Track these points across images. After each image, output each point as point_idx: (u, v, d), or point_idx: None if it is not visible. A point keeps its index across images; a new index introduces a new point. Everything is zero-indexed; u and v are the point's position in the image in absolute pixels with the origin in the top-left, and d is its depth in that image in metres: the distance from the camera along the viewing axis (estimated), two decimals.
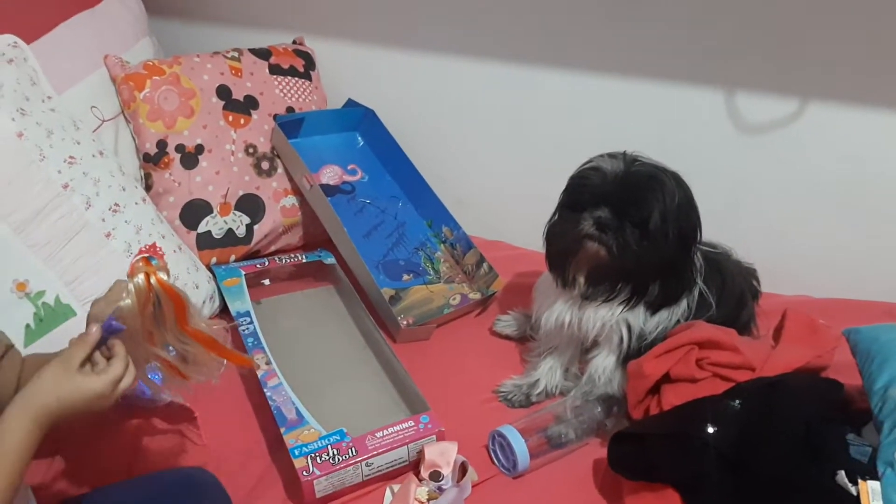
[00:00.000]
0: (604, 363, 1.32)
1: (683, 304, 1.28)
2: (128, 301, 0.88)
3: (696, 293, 1.29)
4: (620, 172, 1.18)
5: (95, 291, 1.31)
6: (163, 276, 0.88)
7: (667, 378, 1.21)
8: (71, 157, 1.34)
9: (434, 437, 1.22)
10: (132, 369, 0.90)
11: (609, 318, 1.28)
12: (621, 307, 1.26)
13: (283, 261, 1.64)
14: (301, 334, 1.49)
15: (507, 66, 1.72)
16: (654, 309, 1.27)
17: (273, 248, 1.70)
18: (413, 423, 1.22)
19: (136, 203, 1.44)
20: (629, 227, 1.17)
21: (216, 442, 1.26)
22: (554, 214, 1.28)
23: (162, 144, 1.56)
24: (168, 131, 1.56)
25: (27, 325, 1.24)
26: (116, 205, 1.39)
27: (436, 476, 1.17)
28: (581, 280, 1.27)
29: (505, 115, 1.79)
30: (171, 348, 0.94)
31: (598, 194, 1.19)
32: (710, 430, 1.08)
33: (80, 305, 1.29)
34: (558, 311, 1.33)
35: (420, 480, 1.17)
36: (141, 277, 0.87)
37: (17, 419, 0.83)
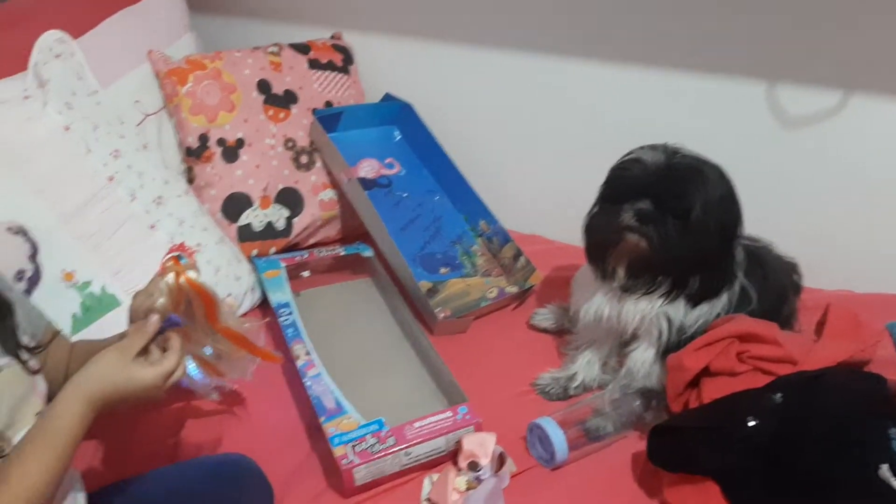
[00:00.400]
0: (643, 356, 1.32)
1: (724, 297, 1.27)
2: (161, 300, 0.91)
3: (736, 287, 1.28)
4: (662, 164, 1.18)
5: (140, 282, 1.33)
6: (192, 274, 0.90)
7: (707, 371, 1.20)
8: (116, 151, 1.37)
9: (472, 427, 1.22)
10: (184, 364, 0.92)
11: (649, 311, 1.27)
12: (661, 300, 1.25)
13: (322, 253, 1.66)
14: (339, 325, 1.50)
15: (546, 59, 1.72)
16: (694, 302, 1.26)
17: (312, 241, 1.72)
18: (451, 414, 1.23)
19: (179, 196, 1.47)
20: (670, 219, 1.17)
21: (256, 430, 1.27)
22: (594, 206, 1.28)
23: (203, 138, 1.58)
24: (210, 125, 1.59)
25: (74, 315, 1.28)
26: (160, 197, 1.42)
27: (474, 466, 1.18)
28: (621, 272, 1.26)
29: (543, 109, 1.79)
30: (207, 348, 0.96)
31: (638, 186, 1.18)
32: (751, 423, 1.08)
33: (124, 295, 1.32)
34: (597, 303, 1.32)
35: (458, 470, 1.18)
36: (171, 277, 0.90)
37: (72, 401, 0.86)
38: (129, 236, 1.35)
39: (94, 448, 1.21)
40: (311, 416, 1.31)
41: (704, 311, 1.27)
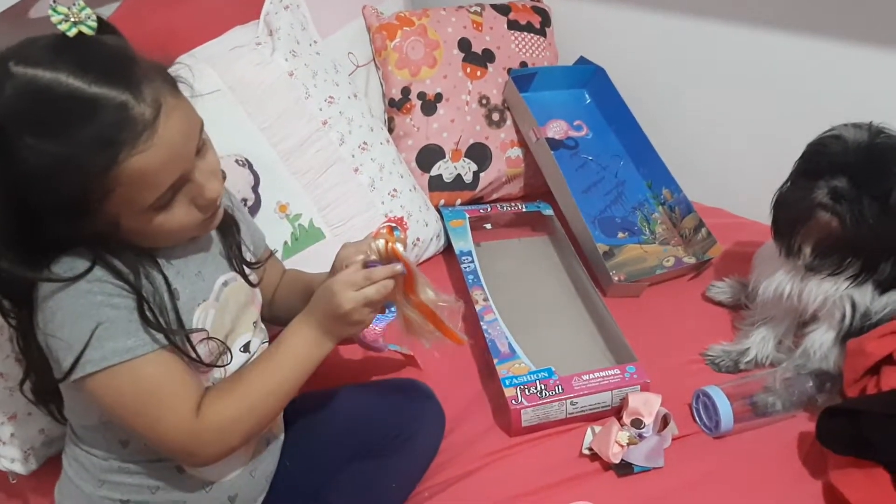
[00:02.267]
0: (822, 338, 1.29)
1: None
2: (372, 257, 0.98)
3: None
4: (864, 143, 1.14)
5: (342, 219, 1.47)
6: (399, 247, 0.96)
7: (889, 360, 1.17)
8: (330, 97, 1.50)
9: (639, 387, 1.26)
10: (383, 294, 0.96)
11: (833, 292, 1.24)
12: (847, 283, 1.22)
13: (504, 208, 1.73)
14: (515, 277, 1.57)
15: (745, 28, 1.68)
16: (883, 288, 1.22)
17: (495, 196, 1.80)
18: (619, 372, 1.27)
19: (381, 143, 1.58)
20: (867, 199, 1.14)
21: (433, 365, 1.37)
22: (786, 181, 1.26)
23: (406, 91, 1.69)
24: (412, 79, 1.69)
25: (285, 243, 1.42)
26: (365, 143, 1.53)
27: (637, 423, 1.22)
28: (807, 251, 1.24)
29: (738, 80, 1.75)
30: (393, 309, 1.03)
31: (836, 163, 1.16)
32: None
33: (329, 230, 1.45)
34: (778, 280, 1.31)
35: (622, 425, 1.22)
36: (381, 242, 0.97)
37: (295, 327, 0.97)
38: (335, 177, 1.48)
39: None
40: (484, 357, 1.40)
41: (893, 299, 1.22)
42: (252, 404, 0.92)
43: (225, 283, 1.00)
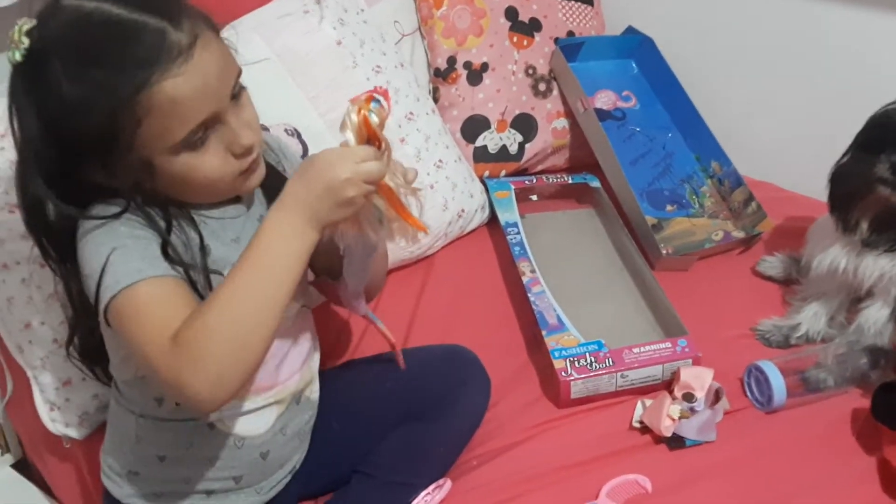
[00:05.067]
0: (877, 315, 1.27)
1: None
2: (349, 133, 0.84)
3: None
4: None
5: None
6: (374, 118, 0.83)
7: None
8: (377, 66, 1.49)
9: (690, 360, 1.25)
10: (382, 169, 0.85)
11: (890, 268, 1.22)
12: None
13: (550, 180, 1.71)
14: (562, 250, 1.56)
15: None
16: None
17: (539, 168, 1.78)
18: (670, 345, 1.26)
19: (427, 113, 1.57)
20: None
21: (479, 335, 1.36)
22: (845, 154, 1.23)
23: (451, 60, 1.67)
24: (458, 48, 1.67)
25: None
26: (411, 113, 1.52)
27: (689, 397, 1.21)
28: (864, 226, 1.22)
29: (791, 53, 1.71)
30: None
31: None
32: None
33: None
34: (833, 255, 1.29)
35: (673, 399, 1.21)
36: (354, 113, 0.83)
37: (272, 213, 0.84)
38: None
39: (331, 332, 1.35)
40: (530, 329, 1.39)
41: None
42: (230, 315, 0.78)
43: None
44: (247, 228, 0.96)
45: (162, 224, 0.86)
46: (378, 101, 0.85)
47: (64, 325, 1.14)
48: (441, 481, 1.11)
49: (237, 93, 0.88)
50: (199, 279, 0.88)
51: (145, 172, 0.84)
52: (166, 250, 0.85)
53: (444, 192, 1.54)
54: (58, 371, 1.19)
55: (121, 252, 0.82)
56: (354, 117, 0.83)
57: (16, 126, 0.84)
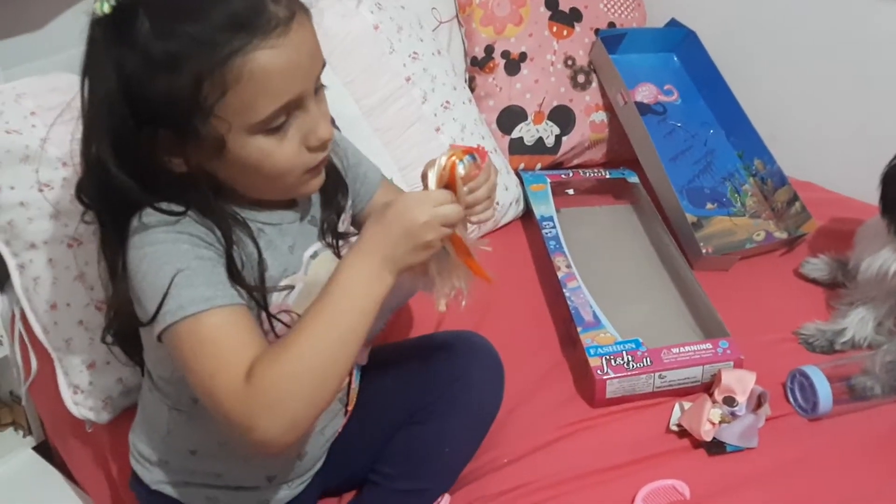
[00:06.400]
0: None
1: None
2: (431, 173, 0.86)
3: None
4: None
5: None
6: (460, 169, 0.85)
7: None
8: (415, 53, 1.46)
9: (731, 363, 1.20)
10: (460, 211, 0.85)
11: None
12: None
13: (587, 174, 1.67)
14: (598, 246, 1.52)
15: None
16: None
17: (576, 162, 1.74)
18: (711, 346, 1.22)
19: (464, 103, 1.53)
20: None
21: (511, 330, 1.33)
22: None
23: (489, 49, 1.64)
24: (497, 37, 1.64)
25: None
26: (447, 102, 1.49)
27: (730, 401, 1.16)
28: None
29: (840, 48, 1.65)
30: None
31: None
32: None
33: (409, 191, 1.41)
34: (883, 258, 1.24)
35: (714, 403, 1.17)
36: (444, 159, 0.85)
37: (350, 258, 0.83)
38: (416, 136, 1.44)
39: None
40: (564, 325, 1.35)
41: None
42: (306, 361, 0.77)
43: (313, 255, 0.94)
44: (303, 235, 0.94)
45: (222, 239, 0.83)
46: (474, 158, 0.87)
47: (90, 306, 1.14)
48: (439, 498, 1.05)
49: (318, 86, 0.85)
50: (259, 298, 0.86)
51: (215, 151, 0.80)
52: (231, 271, 0.82)
53: None
54: (83, 353, 1.16)
55: (186, 275, 0.79)
56: (444, 160, 0.85)
57: (87, 85, 0.80)
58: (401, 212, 0.81)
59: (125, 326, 0.96)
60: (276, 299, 0.90)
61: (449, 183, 0.85)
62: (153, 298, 0.79)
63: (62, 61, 1.19)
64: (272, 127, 0.80)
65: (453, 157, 0.85)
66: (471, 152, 0.87)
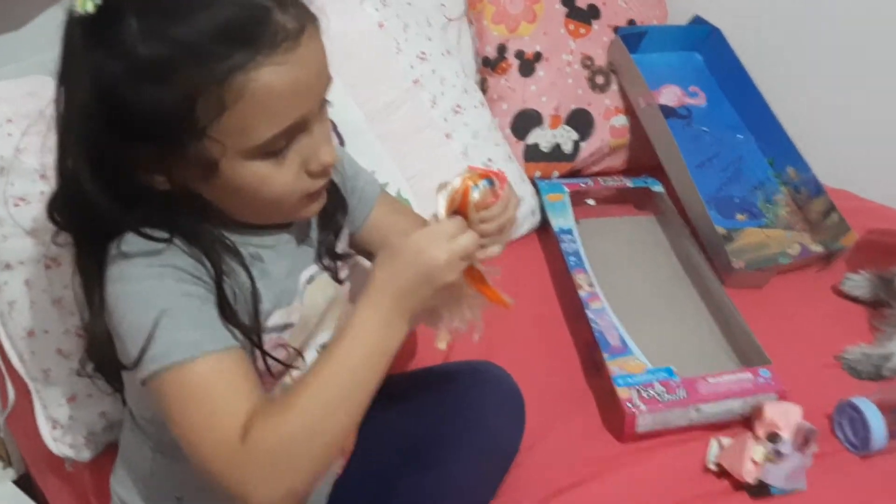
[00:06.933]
0: None
1: None
2: (441, 196, 0.78)
3: None
4: None
5: (432, 191, 1.33)
6: (474, 195, 0.76)
7: None
8: (422, 53, 1.36)
9: (775, 394, 1.10)
10: (477, 242, 0.77)
11: None
12: None
13: (608, 182, 1.57)
14: (621, 260, 1.41)
15: None
16: None
17: (594, 169, 1.64)
18: (751, 376, 1.12)
19: (476, 106, 1.43)
20: None
21: (528, 355, 1.23)
22: None
23: (502, 49, 1.53)
24: (510, 35, 1.53)
25: None
26: (458, 106, 1.39)
27: (774, 438, 1.05)
28: None
29: (876, 46, 1.55)
30: None
31: None
32: None
33: (417, 202, 1.31)
34: None
35: (756, 439, 1.07)
36: (458, 181, 0.77)
37: (362, 307, 0.76)
38: (425, 143, 1.34)
39: None
40: (587, 350, 1.25)
41: None
42: (311, 421, 0.70)
43: (309, 280, 0.86)
44: (299, 257, 0.86)
45: (211, 270, 0.74)
46: (492, 183, 0.78)
47: (69, 334, 1.05)
48: None
49: (322, 104, 0.77)
50: (254, 338, 0.78)
51: (204, 174, 0.71)
52: (222, 308, 0.74)
53: None
54: (62, 385, 1.06)
55: (172, 316, 0.71)
56: (457, 183, 0.77)
57: (63, 92, 0.71)
58: (416, 253, 0.74)
59: (104, 351, 0.85)
60: (271, 329, 0.81)
61: (460, 209, 0.77)
62: (135, 341, 0.71)
63: (43, 63, 1.10)
64: (272, 151, 0.71)
65: (468, 181, 0.77)
66: (489, 176, 0.79)
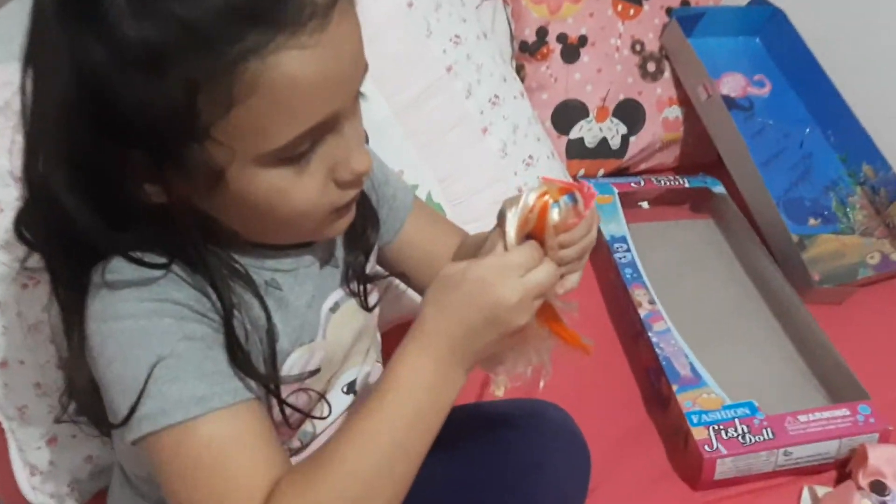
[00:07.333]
0: None
1: None
2: (511, 213, 0.63)
3: None
4: None
5: (466, 193, 1.19)
6: (553, 215, 0.61)
7: None
8: (456, 37, 1.20)
9: (877, 435, 0.95)
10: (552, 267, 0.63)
11: None
12: None
13: (662, 182, 1.40)
14: (680, 273, 1.25)
15: None
16: None
17: (643, 167, 1.48)
18: (849, 413, 0.96)
19: (515, 97, 1.27)
20: None
21: (577, 385, 1.06)
22: None
23: (542, 32, 1.37)
24: (551, 17, 1.37)
25: None
26: (496, 96, 1.23)
27: (880, 488, 0.90)
28: None
29: None
30: None
31: None
32: None
33: (450, 208, 1.15)
34: None
35: (859, 489, 0.91)
36: (533, 196, 0.62)
37: (413, 356, 0.62)
38: (459, 139, 1.18)
39: None
40: (648, 378, 1.09)
41: None
42: (349, 496, 0.58)
43: (333, 308, 0.72)
44: (323, 282, 0.72)
45: (218, 304, 0.61)
46: (574, 200, 0.63)
47: (49, 364, 0.89)
48: None
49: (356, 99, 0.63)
50: (272, 388, 0.65)
51: (208, 185, 0.58)
52: (232, 350, 0.61)
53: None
54: (41, 425, 0.91)
55: (170, 365, 0.58)
56: (531, 199, 0.61)
57: (31, 81, 0.58)
58: (480, 290, 0.60)
59: (88, 402, 0.71)
60: (288, 371, 0.68)
61: (534, 231, 0.62)
62: (124, 395, 0.59)
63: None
64: (293, 156, 0.57)
65: (546, 197, 0.61)
66: (570, 191, 0.62)
